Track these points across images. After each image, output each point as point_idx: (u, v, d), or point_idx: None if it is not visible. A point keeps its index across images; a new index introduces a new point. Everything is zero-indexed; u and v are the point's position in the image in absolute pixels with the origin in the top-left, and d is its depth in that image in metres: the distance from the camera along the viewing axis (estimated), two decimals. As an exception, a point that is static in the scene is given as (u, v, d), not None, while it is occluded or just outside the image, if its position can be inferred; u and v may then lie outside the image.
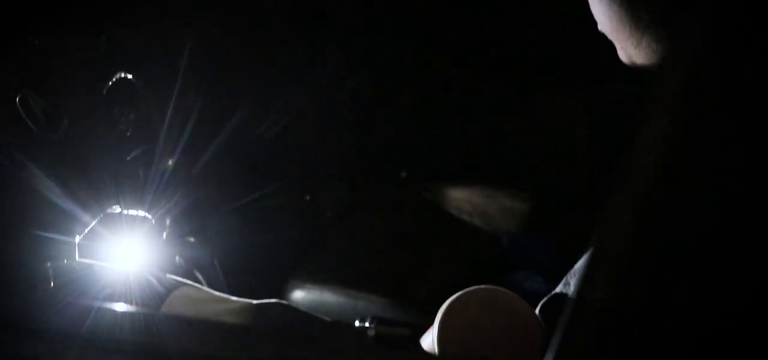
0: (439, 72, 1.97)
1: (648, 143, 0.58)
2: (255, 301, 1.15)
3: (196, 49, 1.48)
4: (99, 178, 1.34)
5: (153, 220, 1.39)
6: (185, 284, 1.21)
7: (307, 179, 1.89)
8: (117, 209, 1.36)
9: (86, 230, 1.29)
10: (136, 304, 1.16)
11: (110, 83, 1.34)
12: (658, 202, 0.60)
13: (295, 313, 1.16)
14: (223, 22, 1.63)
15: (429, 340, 1.02)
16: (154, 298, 1.17)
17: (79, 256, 1.26)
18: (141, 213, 1.37)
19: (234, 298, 1.18)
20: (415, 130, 1.99)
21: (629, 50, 1.04)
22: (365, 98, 1.96)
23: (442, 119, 1.97)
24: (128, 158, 1.37)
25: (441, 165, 1.97)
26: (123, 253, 1.29)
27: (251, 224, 1.72)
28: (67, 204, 1.27)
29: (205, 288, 1.26)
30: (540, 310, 1.04)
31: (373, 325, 1.09)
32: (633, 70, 1.04)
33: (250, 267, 1.68)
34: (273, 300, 1.16)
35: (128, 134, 1.37)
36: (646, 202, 0.59)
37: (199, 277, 1.54)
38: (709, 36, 0.61)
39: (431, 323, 1.02)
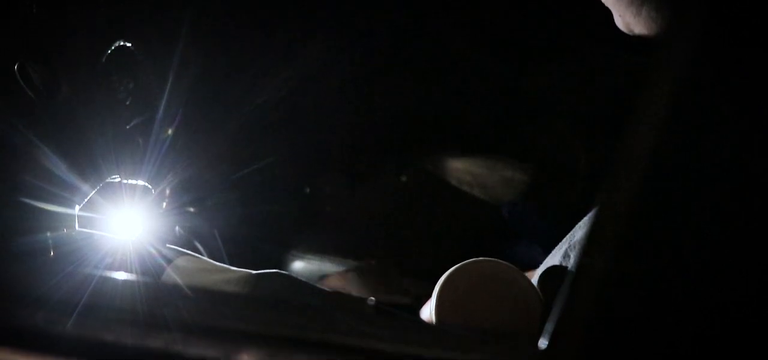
0: (438, 43, 1.97)
1: (648, 116, 0.58)
2: (254, 272, 1.15)
3: (197, 19, 1.47)
4: (98, 148, 1.34)
5: (153, 190, 1.39)
6: (185, 254, 1.21)
7: (305, 156, 1.89)
8: (116, 179, 1.36)
9: (86, 200, 1.29)
10: (136, 274, 1.17)
11: (109, 51, 1.33)
12: (658, 173, 0.59)
13: (294, 283, 1.16)
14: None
15: (427, 312, 1.02)
16: (154, 268, 1.17)
17: (79, 226, 1.26)
18: (141, 183, 1.37)
19: (233, 268, 1.18)
20: (414, 103, 1.99)
21: (628, 18, 1.02)
22: (364, 71, 1.95)
23: (441, 90, 1.96)
24: (127, 127, 1.36)
25: (441, 137, 1.96)
26: (123, 223, 1.29)
27: (251, 195, 1.72)
28: (66, 173, 1.26)
29: (205, 258, 1.26)
30: (538, 282, 1.04)
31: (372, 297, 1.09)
32: (632, 38, 1.03)
33: (250, 237, 1.68)
34: (272, 270, 1.17)
35: (127, 103, 1.36)
36: (646, 172, 0.59)
37: (199, 247, 1.54)
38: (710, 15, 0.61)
39: (431, 294, 1.02)
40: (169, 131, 1.46)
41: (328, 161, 1.92)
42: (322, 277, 1.59)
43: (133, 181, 1.36)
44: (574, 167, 1.72)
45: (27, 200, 1.21)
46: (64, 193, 1.25)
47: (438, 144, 1.93)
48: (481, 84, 1.94)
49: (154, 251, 1.19)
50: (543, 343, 0.63)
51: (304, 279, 1.20)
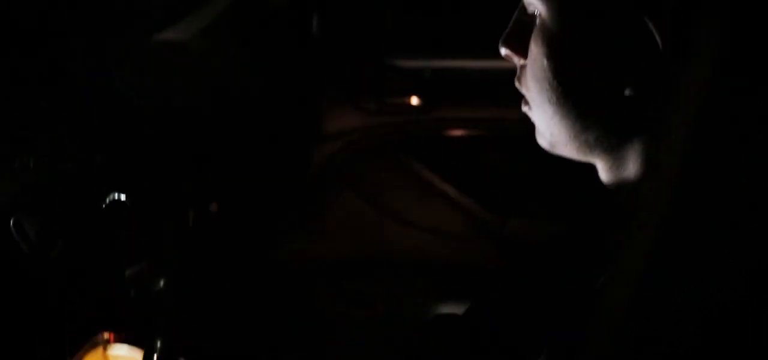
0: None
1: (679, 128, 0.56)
2: None
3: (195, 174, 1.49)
4: (91, 303, 1.32)
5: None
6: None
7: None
8: (105, 338, 1.35)
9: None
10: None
11: (104, 205, 1.33)
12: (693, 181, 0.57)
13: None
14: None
15: None
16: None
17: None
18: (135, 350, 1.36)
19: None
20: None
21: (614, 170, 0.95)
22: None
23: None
24: (124, 277, 1.35)
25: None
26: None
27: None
28: (61, 326, 1.25)
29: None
30: None
31: None
32: None
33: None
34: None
35: (122, 255, 1.36)
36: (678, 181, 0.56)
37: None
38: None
39: None
40: (162, 283, 1.44)
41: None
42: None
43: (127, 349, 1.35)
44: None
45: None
46: (57, 346, 1.23)
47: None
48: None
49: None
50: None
51: None
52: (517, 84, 0.97)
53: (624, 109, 0.87)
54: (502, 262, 2.07)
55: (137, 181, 1.38)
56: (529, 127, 0.99)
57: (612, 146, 0.91)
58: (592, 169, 0.97)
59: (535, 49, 0.91)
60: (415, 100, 2.04)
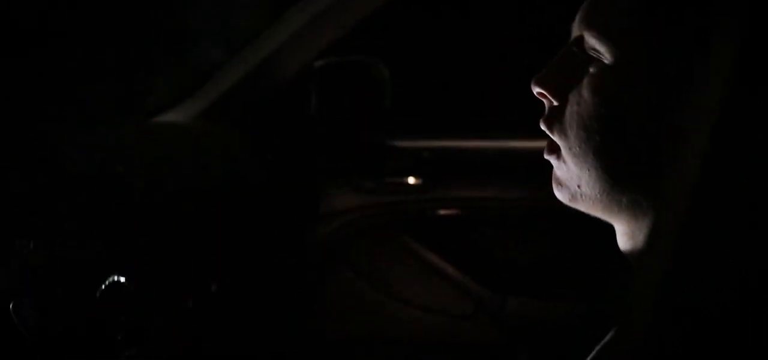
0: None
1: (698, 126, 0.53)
2: None
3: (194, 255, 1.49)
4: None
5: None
6: None
7: None
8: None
9: None
10: None
11: (102, 287, 1.33)
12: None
13: None
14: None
15: None
16: None
17: None
18: None
19: None
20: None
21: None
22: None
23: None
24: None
25: None
26: None
27: None
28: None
29: None
30: None
31: None
32: None
33: None
34: None
35: (119, 338, 1.35)
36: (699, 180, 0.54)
37: None
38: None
39: None
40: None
41: None
42: None
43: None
44: None
45: None
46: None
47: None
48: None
49: None
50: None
51: None
52: (543, 126, 0.91)
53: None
54: (502, 341, 2.06)
55: (137, 263, 1.38)
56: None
57: (644, 212, 0.86)
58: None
59: (587, 95, 0.86)
60: (413, 180, 2.05)
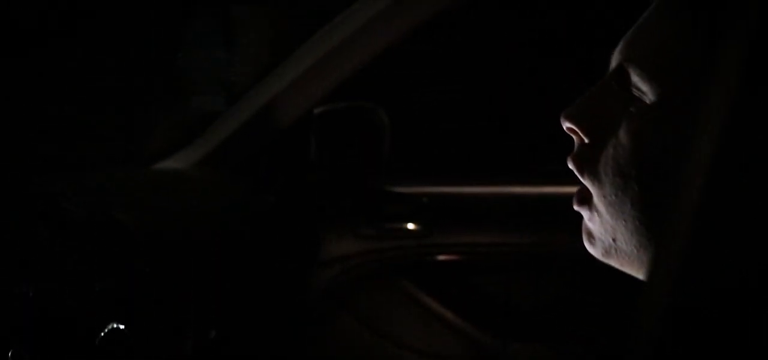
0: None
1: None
2: None
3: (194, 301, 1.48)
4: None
5: None
6: None
7: None
8: None
9: None
10: None
11: (102, 333, 1.32)
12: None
13: None
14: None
15: None
16: None
17: None
18: None
19: None
20: None
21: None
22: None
23: None
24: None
25: None
26: None
27: None
28: None
29: None
30: None
31: None
32: None
33: None
34: None
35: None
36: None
37: None
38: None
39: None
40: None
41: None
42: None
43: None
44: None
45: None
46: None
47: None
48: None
49: None
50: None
51: None
52: (572, 165, 0.83)
53: None
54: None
55: (136, 310, 1.38)
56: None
57: None
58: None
59: (626, 137, 0.77)
60: (413, 225, 2.05)
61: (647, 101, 0.76)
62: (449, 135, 2.59)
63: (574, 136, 0.83)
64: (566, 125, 0.83)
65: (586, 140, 0.81)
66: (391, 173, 2.07)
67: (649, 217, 0.76)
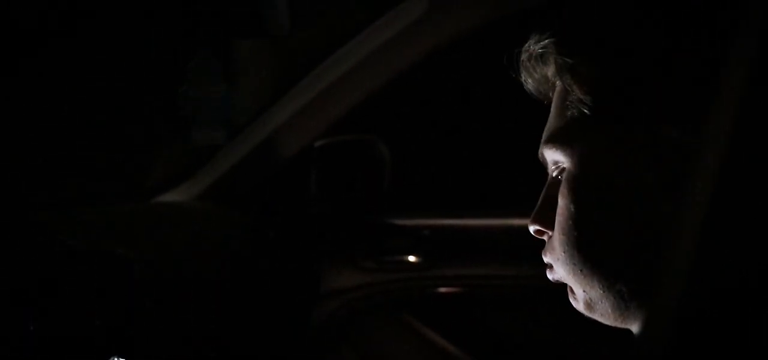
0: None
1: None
2: None
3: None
4: None
5: None
6: None
7: None
8: None
9: None
10: None
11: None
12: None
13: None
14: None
15: None
16: None
17: None
18: None
19: None
20: None
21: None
22: None
23: None
24: None
25: None
26: None
27: None
28: None
29: None
30: None
31: None
32: None
33: None
34: None
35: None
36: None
37: None
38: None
39: None
40: None
41: None
42: None
43: None
44: None
45: None
46: None
47: None
48: None
49: None
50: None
51: None
52: (545, 257, 0.94)
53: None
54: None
55: (137, 343, 1.38)
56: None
57: (649, 297, 0.84)
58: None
59: (562, 202, 0.88)
60: (413, 258, 2.05)
61: (573, 171, 0.88)
62: (450, 167, 2.59)
63: (544, 238, 0.94)
64: (533, 229, 0.95)
65: (550, 233, 0.92)
66: (391, 206, 2.07)
67: (598, 262, 0.87)
